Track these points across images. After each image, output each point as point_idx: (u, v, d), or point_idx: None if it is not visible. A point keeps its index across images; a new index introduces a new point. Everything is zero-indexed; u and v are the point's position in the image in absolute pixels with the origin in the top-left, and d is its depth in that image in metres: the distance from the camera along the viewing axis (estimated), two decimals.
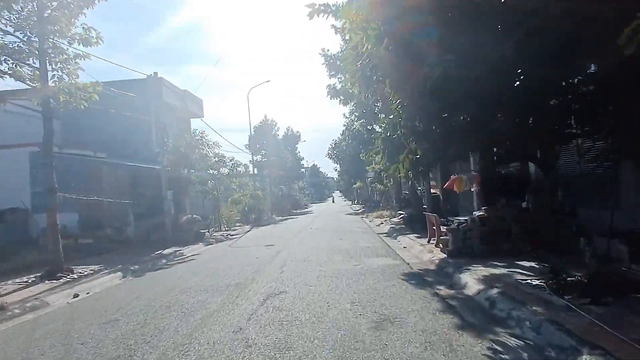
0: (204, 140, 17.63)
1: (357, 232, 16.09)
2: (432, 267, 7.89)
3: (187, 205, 22.47)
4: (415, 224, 14.22)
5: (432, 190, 20.33)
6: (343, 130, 22.54)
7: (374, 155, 8.84)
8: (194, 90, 25.58)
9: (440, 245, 8.81)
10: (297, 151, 50.63)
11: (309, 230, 18.44)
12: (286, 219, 30.37)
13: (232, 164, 22.78)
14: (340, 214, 32.38)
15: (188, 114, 26.35)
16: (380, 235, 14.33)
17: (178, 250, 13.61)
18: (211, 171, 22.18)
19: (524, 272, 6.23)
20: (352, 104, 16.28)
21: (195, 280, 7.93)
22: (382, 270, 7.65)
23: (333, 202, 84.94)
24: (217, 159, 22.12)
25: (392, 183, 27.86)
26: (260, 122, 40.97)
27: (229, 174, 22.72)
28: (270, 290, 6.46)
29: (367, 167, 30.59)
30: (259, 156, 40.90)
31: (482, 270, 6.58)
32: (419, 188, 17.84)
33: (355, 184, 57.51)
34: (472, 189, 9.00)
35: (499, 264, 7.01)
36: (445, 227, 9.60)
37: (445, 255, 8.26)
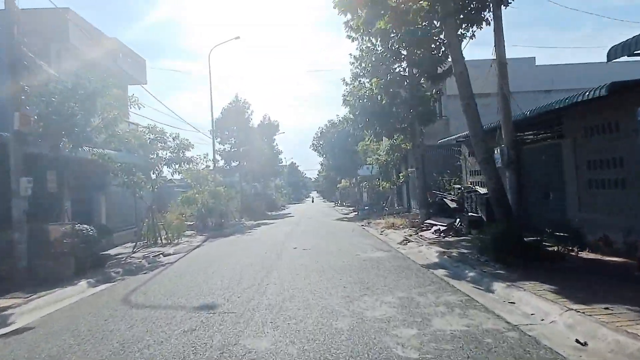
0: (112, 92, 9.89)
1: (384, 261, 8.87)
2: None
3: (102, 207, 14.72)
4: (506, 254, 7.10)
5: (480, 190, 13.41)
6: (344, 99, 15.24)
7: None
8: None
9: None
10: (275, 143, 42.80)
11: (292, 252, 11.08)
12: (258, 225, 22.92)
13: (177, 144, 15.15)
14: (329, 220, 25.15)
15: (122, 77, 18.51)
16: (444, 278, 7.06)
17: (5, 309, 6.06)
18: (153, 155, 14.64)
19: None
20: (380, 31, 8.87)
21: None
22: None
23: (312, 202, 78.44)
24: (152, 136, 14.54)
25: (400, 180, 20.89)
26: (230, 104, 33.17)
27: (173, 159, 15.07)
28: None
29: (368, 159, 23.57)
30: (227, 145, 33.18)
31: None
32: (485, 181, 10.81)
33: (340, 182, 50.46)
34: None
35: None
36: None
37: None
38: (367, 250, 10.59)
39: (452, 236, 11.94)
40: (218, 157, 32.65)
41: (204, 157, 21.84)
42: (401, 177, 20.25)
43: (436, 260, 8.69)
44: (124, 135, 10.27)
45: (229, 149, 33.17)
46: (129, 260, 10.78)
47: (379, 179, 34.15)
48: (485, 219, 11.93)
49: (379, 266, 8.16)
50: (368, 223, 19.18)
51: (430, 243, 10.88)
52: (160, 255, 12.05)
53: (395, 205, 23.64)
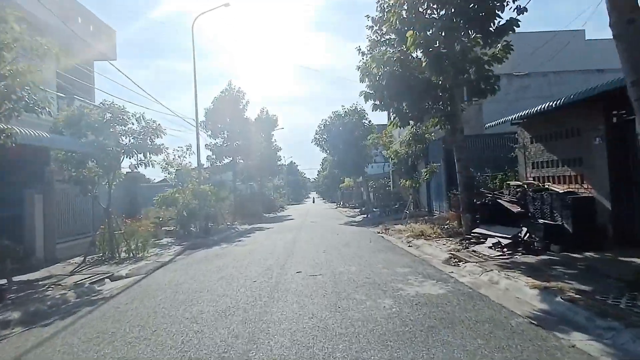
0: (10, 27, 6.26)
1: (453, 308, 5.26)
2: None
3: (35, 210, 11.02)
4: None
5: (555, 188, 9.81)
6: (360, 71, 11.56)
7: None
8: None
9: None
10: (273, 139, 38.93)
11: (295, 281, 7.46)
12: (253, 231, 19.33)
13: (143, 127, 11.48)
14: (335, 224, 21.55)
15: (84, 50, 14.87)
16: None
17: None
18: (108, 141, 11.01)
19: None
20: None
21: None
22: None
23: (313, 202, 75.44)
24: (109, 115, 10.90)
25: (426, 177, 17.25)
26: (222, 92, 29.52)
27: (135, 146, 11.40)
28: None
29: (384, 151, 19.96)
30: (220, 139, 29.53)
31: None
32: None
33: (343, 182, 46.78)
34: None
35: None
36: None
37: None
38: (409, 278, 6.96)
39: (523, 253, 8.35)
40: (209, 152, 29.11)
41: (187, 150, 18.39)
42: (425, 174, 16.63)
43: (543, 305, 5.07)
44: (37, 100, 6.57)
45: (220, 143, 29.55)
46: (49, 292, 7.13)
47: (387, 178, 30.63)
48: (571, 230, 8.37)
49: (453, 321, 4.54)
50: (385, 229, 15.58)
51: (500, 266, 7.27)
52: (106, 280, 8.45)
53: (412, 207, 20.04)
